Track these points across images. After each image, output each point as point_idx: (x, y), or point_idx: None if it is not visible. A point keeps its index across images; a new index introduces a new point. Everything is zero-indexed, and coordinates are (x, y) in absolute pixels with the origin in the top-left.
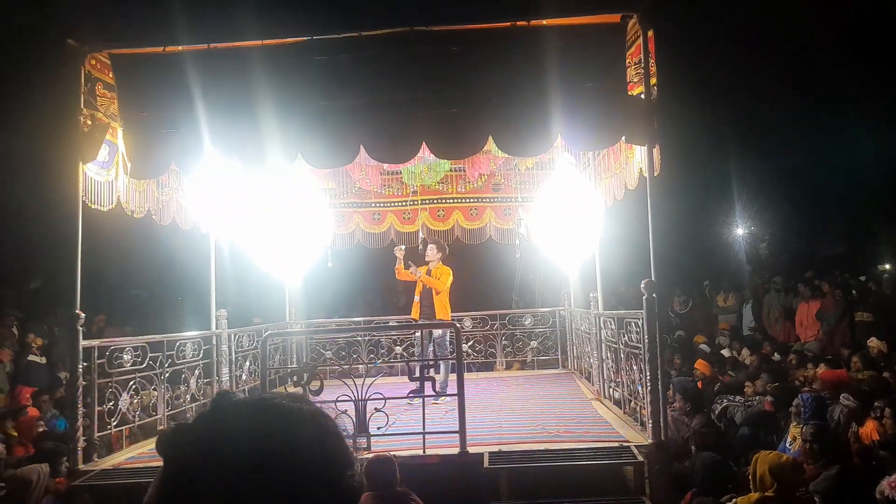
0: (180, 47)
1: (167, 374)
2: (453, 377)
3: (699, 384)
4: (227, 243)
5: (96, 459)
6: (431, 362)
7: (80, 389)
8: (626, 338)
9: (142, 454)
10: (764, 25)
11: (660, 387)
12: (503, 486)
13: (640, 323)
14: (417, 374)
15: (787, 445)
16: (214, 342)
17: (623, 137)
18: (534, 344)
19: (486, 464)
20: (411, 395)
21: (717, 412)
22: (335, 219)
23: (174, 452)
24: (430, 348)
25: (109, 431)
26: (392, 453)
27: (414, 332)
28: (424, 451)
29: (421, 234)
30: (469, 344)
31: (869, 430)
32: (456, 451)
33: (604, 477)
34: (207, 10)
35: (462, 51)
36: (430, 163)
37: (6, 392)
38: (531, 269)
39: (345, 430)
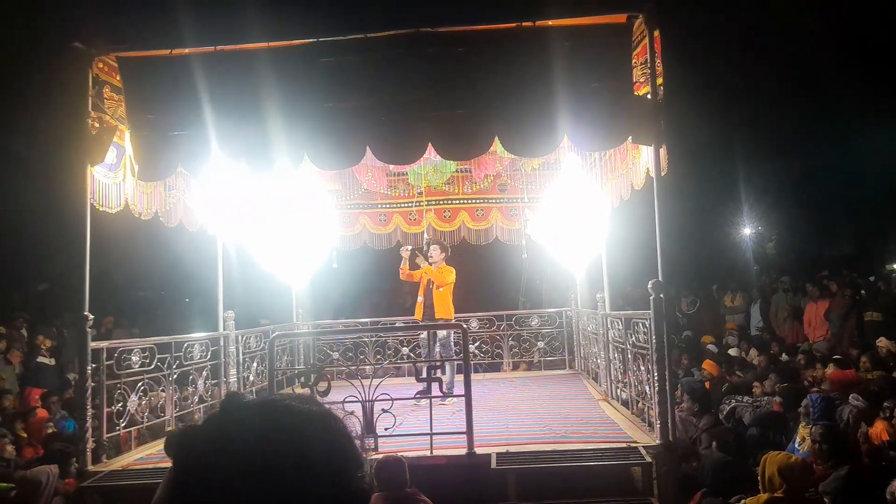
0: (187, 50)
1: (175, 376)
2: (459, 378)
3: (707, 384)
4: (234, 245)
5: (105, 461)
6: (438, 363)
7: (89, 391)
8: (634, 338)
9: (150, 455)
10: (771, 25)
11: (667, 387)
12: (511, 486)
13: (647, 323)
14: (424, 375)
15: (797, 446)
16: (222, 343)
17: (629, 138)
18: (541, 345)
19: (493, 464)
20: (418, 395)
21: (724, 412)
22: (341, 220)
23: (184, 454)
24: (436, 349)
25: (118, 433)
26: (400, 454)
27: (419, 333)
28: (432, 452)
29: (426, 235)
30: (476, 345)
31: (878, 430)
32: (463, 451)
33: (612, 478)
34: (214, 12)
35: (468, 52)
36: (436, 164)
37: (15, 394)
38: (538, 269)
39: (352, 431)
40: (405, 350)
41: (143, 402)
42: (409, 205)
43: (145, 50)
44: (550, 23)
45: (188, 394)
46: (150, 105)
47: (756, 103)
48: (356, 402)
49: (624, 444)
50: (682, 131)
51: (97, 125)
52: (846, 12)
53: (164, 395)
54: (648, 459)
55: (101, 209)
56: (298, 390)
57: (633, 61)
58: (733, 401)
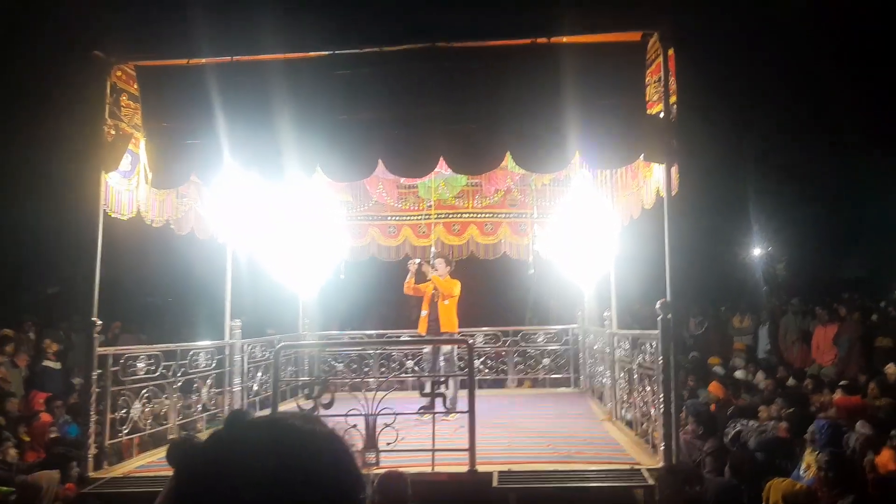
0: (204, 60)
1: (179, 383)
2: (463, 393)
3: (712, 407)
4: (244, 254)
5: (107, 467)
6: (443, 379)
7: (94, 396)
8: (640, 358)
9: (152, 463)
10: (786, 45)
11: (672, 409)
12: None
13: (654, 344)
14: (428, 390)
15: (802, 473)
16: (227, 352)
17: (641, 156)
18: (546, 362)
19: (495, 483)
20: (422, 410)
21: (730, 436)
22: (351, 231)
23: (187, 471)
24: (440, 363)
25: (120, 439)
26: (401, 469)
27: (423, 347)
28: (434, 469)
29: (433, 249)
30: (481, 360)
31: (885, 459)
32: (465, 469)
33: (614, 500)
34: (231, 23)
35: (482, 67)
36: (447, 177)
37: (20, 397)
38: (545, 285)
39: (355, 450)
40: (410, 363)
41: (147, 410)
42: (419, 217)
43: (163, 59)
44: (565, 39)
45: (192, 402)
46: (166, 113)
47: (769, 123)
48: (359, 415)
49: (627, 466)
50: (694, 150)
51: (113, 132)
52: (862, 33)
53: (167, 402)
54: (651, 482)
55: (113, 216)
56: (302, 401)
57: (647, 79)
58: (739, 424)
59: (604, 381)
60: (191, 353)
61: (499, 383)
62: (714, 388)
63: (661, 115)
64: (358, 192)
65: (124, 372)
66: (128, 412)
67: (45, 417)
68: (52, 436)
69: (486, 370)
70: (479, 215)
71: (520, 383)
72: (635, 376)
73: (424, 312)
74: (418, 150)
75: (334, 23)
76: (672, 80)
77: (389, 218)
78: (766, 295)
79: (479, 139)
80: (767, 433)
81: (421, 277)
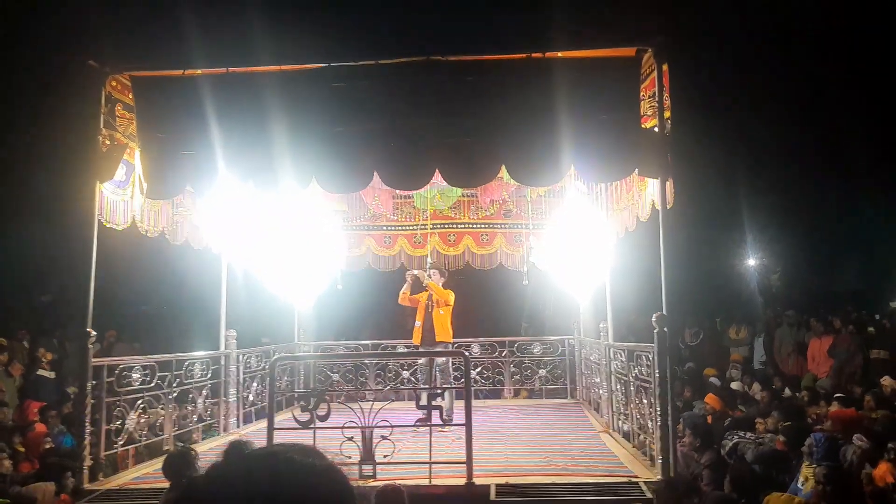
0: (199, 71)
1: (175, 394)
2: (459, 404)
3: (709, 419)
4: (239, 264)
5: (102, 478)
6: (440, 392)
7: (89, 407)
8: (637, 371)
9: (147, 474)
10: (781, 58)
11: (670, 422)
12: None
13: (650, 356)
14: (424, 403)
15: (800, 486)
16: (223, 362)
17: (636, 170)
18: (542, 372)
19: (492, 496)
20: (418, 423)
21: (727, 449)
22: (346, 241)
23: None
24: (436, 374)
25: (116, 450)
26: (398, 482)
27: (418, 359)
28: (431, 481)
29: (429, 259)
30: (477, 371)
31: (882, 472)
32: (462, 482)
33: None
34: (227, 35)
35: (477, 80)
36: (442, 188)
37: (14, 407)
38: (541, 296)
39: (350, 458)
40: (406, 374)
41: (142, 420)
42: (414, 228)
43: (158, 69)
44: (560, 54)
45: (187, 412)
46: (161, 124)
47: (764, 136)
48: (356, 427)
49: (625, 479)
50: (688, 164)
51: (108, 142)
52: (855, 44)
53: (163, 412)
54: (649, 495)
55: (108, 226)
56: (298, 413)
57: (642, 94)
58: (736, 437)
59: (600, 392)
60: (186, 363)
61: (495, 394)
62: (710, 399)
63: (656, 129)
64: (353, 202)
65: (119, 382)
66: (123, 423)
67: (40, 427)
68: (47, 446)
69: (482, 381)
70: (474, 226)
71: (516, 394)
72: (632, 388)
73: (418, 323)
74: (414, 163)
75: (330, 35)
76: (666, 94)
77: (385, 228)
78: (761, 306)
79: (475, 152)
80: (765, 446)
81: (416, 288)
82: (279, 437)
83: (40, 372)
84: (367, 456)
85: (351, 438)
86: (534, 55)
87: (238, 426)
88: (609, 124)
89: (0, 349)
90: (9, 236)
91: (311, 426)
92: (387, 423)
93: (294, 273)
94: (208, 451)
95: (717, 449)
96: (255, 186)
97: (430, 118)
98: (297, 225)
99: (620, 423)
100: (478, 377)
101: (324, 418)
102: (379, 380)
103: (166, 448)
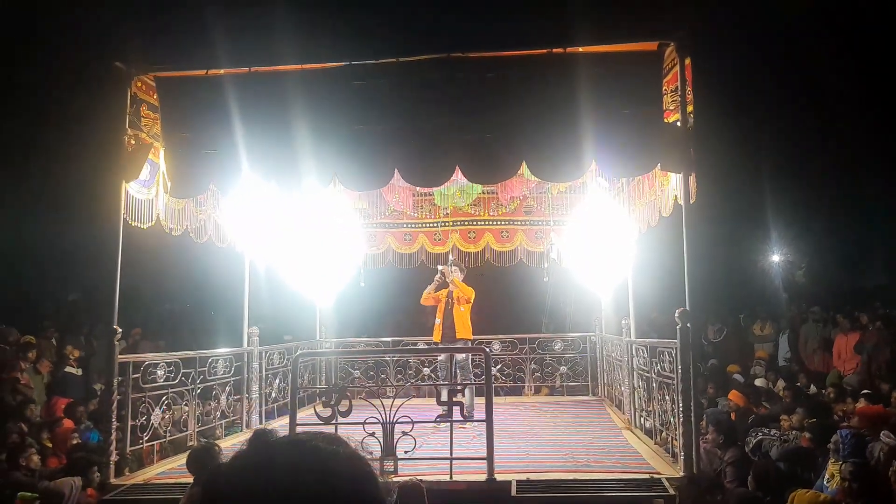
0: (222, 70)
1: (199, 390)
2: (479, 400)
3: (732, 415)
4: (262, 262)
5: (128, 473)
6: (460, 388)
7: (115, 404)
8: (659, 367)
9: (172, 469)
10: (805, 52)
11: (692, 418)
12: None
13: (673, 353)
14: (445, 399)
15: (825, 483)
16: (245, 359)
17: (658, 165)
18: (563, 369)
19: (513, 492)
20: (439, 419)
21: (751, 445)
22: (367, 239)
23: (210, 492)
24: (456, 371)
25: (141, 446)
26: (418, 478)
27: (438, 355)
28: (451, 477)
29: (451, 256)
30: (497, 368)
31: None
32: (483, 478)
33: None
34: (249, 35)
35: (498, 77)
36: (462, 185)
37: (42, 403)
38: (562, 293)
39: (371, 453)
40: (426, 370)
41: (167, 416)
42: (435, 225)
43: (182, 70)
44: (581, 49)
45: (211, 408)
46: (185, 123)
47: (788, 130)
48: (377, 423)
49: (647, 476)
50: (711, 159)
51: (133, 142)
52: (880, 38)
53: (186, 409)
54: (672, 492)
55: (133, 224)
56: (320, 408)
57: (664, 88)
58: (760, 433)
59: (622, 389)
60: (209, 360)
61: (516, 391)
62: (734, 396)
63: (679, 123)
64: (374, 200)
65: (144, 379)
66: (148, 419)
67: (67, 423)
68: (74, 442)
69: (503, 378)
70: (494, 223)
71: (537, 391)
72: (654, 385)
73: (438, 321)
74: (434, 160)
75: (350, 34)
76: (689, 89)
77: (406, 225)
78: (785, 302)
79: (495, 149)
80: (790, 443)
81: (442, 284)
82: None
83: (68, 369)
84: (389, 451)
85: (372, 434)
86: (554, 50)
87: (260, 422)
88: (631, 119)
89: (28, 347)
90: (37, 235)
91: (333, 422)
92: (408, 419)
93: (316, 271)
94: (231, 446)
95: (741, 446)
96: (277, 185)
97: (450, 115)
98: (318, 223)
99: (643, 419)
100: (498, 374)
101: (345, 414)
102: (400, 376)
103: (190, 444)
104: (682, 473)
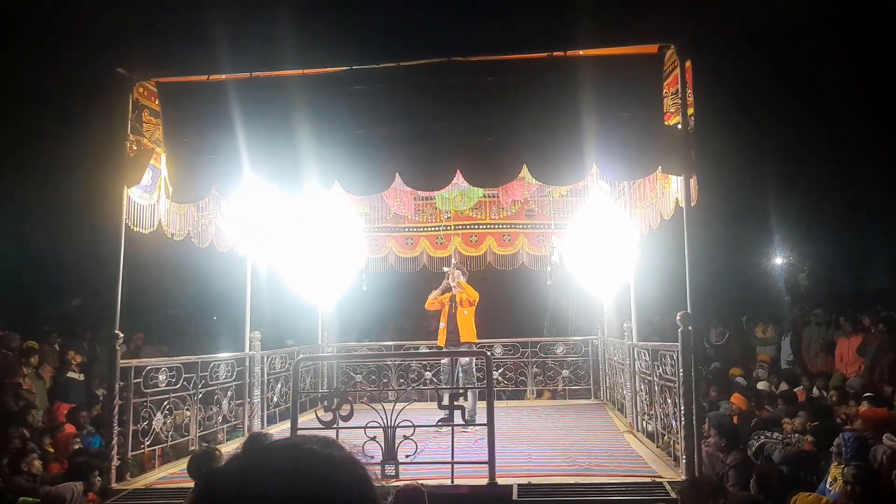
0: (224, 76)
1: (200, 395)
2: (481, 404)
3: (734, 419)
4: (264, 266)
5: (129, 478)
6: (462, 391)
7: (116, 408)
8: (661, 370)
9: (173, 474)
10: (807, 54)
11: (694, 422)
12: None
13: (674, 356)
14: (446, 403)
15: (828, 486)
16: (247, 364)
17: (659, 167)
18: (565, 373)
19: (515, 496)
20: (440, 423)
21: (753, 449)
22: (369, 243)
23: (206, 495)
24: (458, 375)
25: (143, 451)
26: (420, 482)
27: (441, 359)
28: (453, 481)
29: (453, 260)
30: (499, 371)
31: None
32: (485, 482)
33: None
34: (250, 40)
35: (498, 80)
36: (464, 189)
37: (44, 408)
38: (564, 296)
39: (372, 457)
40: (428, 374)
41: (168, 421)
42: (436, 229)
43: (184, 75)
44: (581, 52)
45: (212, 413)
46: (187, 129)
47: (789, 132)
48: (378, 427)
49: (648, 479)
50: (712, 161)
51: (135, 148)
52: (883, 40)
53: (188, 413)
54: (674, 496)
55: (135, 230)
56: (321, 413)
57: (664, 91)
58: (762, 437)
59: (624, 392)
60: (211, 364)
61: (518, 394)
62: (736, 399)
63: (679, 126)
64: (376, 204)
65: (146, 384)
66: (150, 424)
67: (69, 428)
68: (76, 447)
69: (505, 381)
70: (496, 226)
71: (539, 394)
72: (656, 388)
73: (442, 325)
74: (435, 164)
75: (352, 38)
76: (689, 91)
77: (407, 229)
78: (788, 305)
79: (496, 152)
80: (792, 446)
81: (446, 287)
82: None
83: (70, 374)
84: (390, 455)
85: (374, 438)
86: (555, 54)
87: (262, 427)
88: (632, 121)
89: (31, 352)
90: (39, 241)
91: (335, 426)
92: (409, 423)
93: (317, 275)
94: (232, 451)
95: (744, 449)
96: (279, 189)
97: (451, 119)
98: (320, 227)
99: (645, 423)
100: (500, 378)
101: (347, 418)
102: (401, 380)
103: (192, 448)
104: (683, 477)
